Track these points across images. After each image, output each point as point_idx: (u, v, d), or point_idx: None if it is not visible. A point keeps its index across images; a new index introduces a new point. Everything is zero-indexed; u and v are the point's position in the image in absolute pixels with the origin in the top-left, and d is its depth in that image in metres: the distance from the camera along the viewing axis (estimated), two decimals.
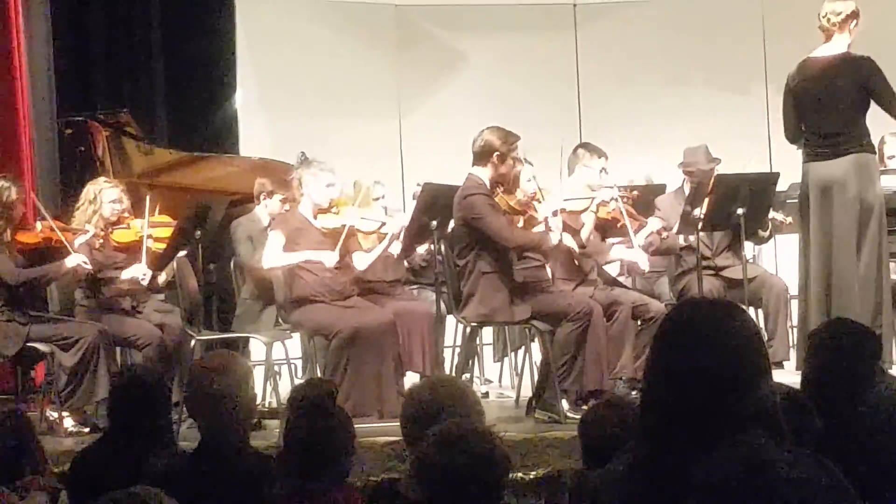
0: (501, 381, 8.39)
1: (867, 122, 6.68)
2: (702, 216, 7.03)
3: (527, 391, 7.05)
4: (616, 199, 7.07)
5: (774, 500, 2.04)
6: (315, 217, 7.02)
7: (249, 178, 8.37)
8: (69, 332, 6.67)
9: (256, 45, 10.82)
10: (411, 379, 6.98)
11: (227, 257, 7.85)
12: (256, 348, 7.66)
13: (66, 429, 6.59)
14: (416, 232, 7.21)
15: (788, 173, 7.59)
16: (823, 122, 6.61)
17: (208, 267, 7.50)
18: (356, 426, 3.82)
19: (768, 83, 10.76)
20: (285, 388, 7.08)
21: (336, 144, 10.12)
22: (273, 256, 6.93)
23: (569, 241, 6.90)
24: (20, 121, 8.30)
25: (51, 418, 6.73)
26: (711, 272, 7.48)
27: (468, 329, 6.86)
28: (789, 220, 7.67)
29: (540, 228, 6.69)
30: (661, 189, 8.15)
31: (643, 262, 7.18)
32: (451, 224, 6.88)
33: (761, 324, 7.35)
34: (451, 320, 7.42)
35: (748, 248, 8.00)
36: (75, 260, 6.67)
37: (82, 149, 8.74)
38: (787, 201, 7.80)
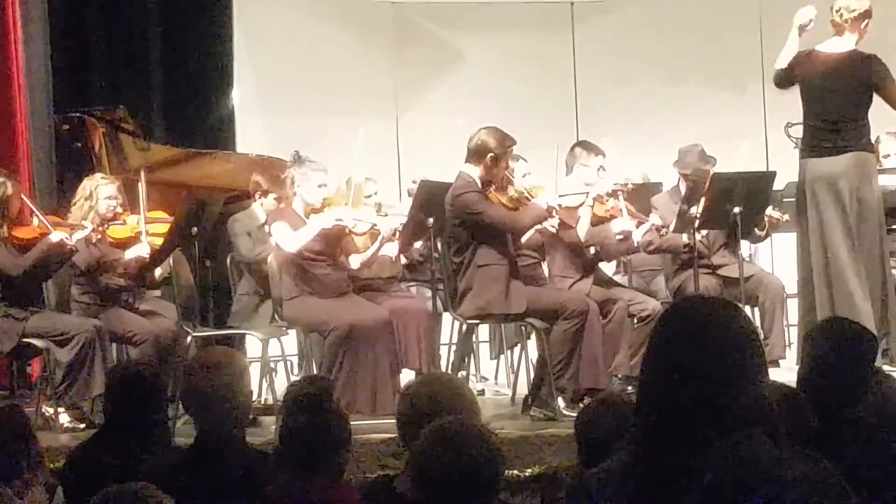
0: (497, 378, 8.39)
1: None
2: (698, 215, 7.04)
3: (523, 389, 7.05)
4: (616, 196, 7.07)
5: (770, 499, 2.04)
6: (307, 216, 7.01)
7: (246, 174, 8.36)
8: (65, 327, 6.66)
9: (254, 42, 10.82)
10: (407, 376, 6.98)
11: (223, 254, 7.84)
12: (252, 345, 7.66)
13: (62, 424, 6.58)
14: (413, 229, 7.21)
15: (785, 172, 7.59)
16: (825, 117, 6.60)
17: (204, 263, 7.48)
18: (352, 423, 3.82)
19: (765, 82, 10.73)
20: (281, 385, 7.06)
21: (332, 142, 10.11)
22: (291, 239, 6.88)
23: (564, 236, 6.89)
24: (17, 117, 8.28)
25: (47, 414, 6.72)
26: (708, 270, 7.48)
27: (464, 326, 6.86)
28: (786, 217, 7.67)
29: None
30: (657, 188, 8.15)
31: (636, 234, 7.15)
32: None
33: (757, 322, 7.36)
34: (447, 317, 7.43)
35: (744, 246, 8.00)
36: (58, 236, 6.66)
37: (79, 145, 8.73)
38: (784, 200, 7.80)
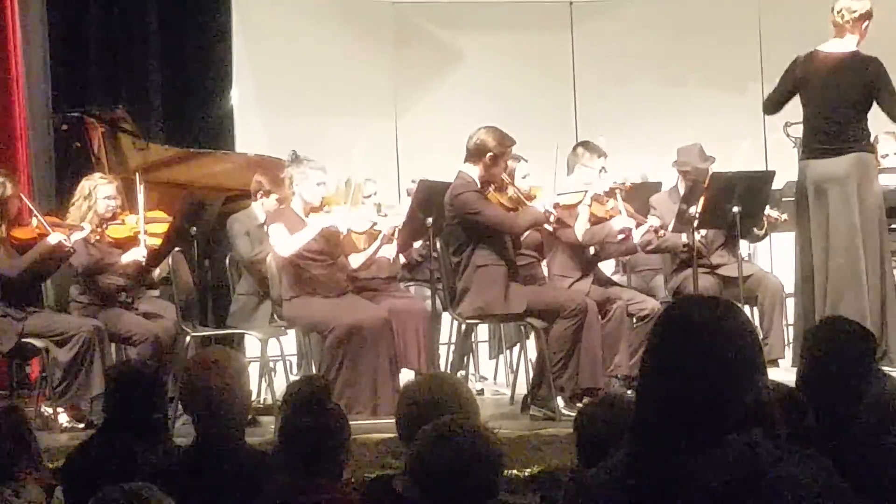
0: (497, 378, 8.39)
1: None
2: (697, 214, 7.04)
3: (522, 388, 7.05)
4: (614, 195, 7.06)
5: (770, 498, 2.05)
6: (307, 215, 7.01)
7: (245, 174, 8.36)
8: (64, 327, 6.66)
9: (253, 42, 10.82)
10: (406, 376, 6.98)
11: (222, 253, 7.84)
12: (252, 345, 7.67)
13: (61, 424, 6.58)
14: (412, 229, 7.21)
15: (784, 171, 7.59)
16: (826, 118, 6.60)
17: (203, 263, 7.49)
18: (351, 423, 3.81)
19: (764, 82, 10.74)
20: (280, 385, 7.06)
21: (332, 142, 10.13)
22: (285, 243, 6.88)
23: (562, 235, 6.89)
24: (16, 116, 8.29)
25: (46, 414, 6.73)
26: (707, 270, 7.48)
27: (463, 326, 6.86)
28: (784, 217, 7.67)
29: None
30: (656, 187, 8.15)
31: (636, 233, 7.14)
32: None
33: (756, 322, 7.36)
34: (446, 317, 7.43)
35: (743, 246, 8.01)
36: (56, 238, 6.66)
37: (78, 145, 8.72)
38: (783, 199, 7.81)
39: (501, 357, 8.38)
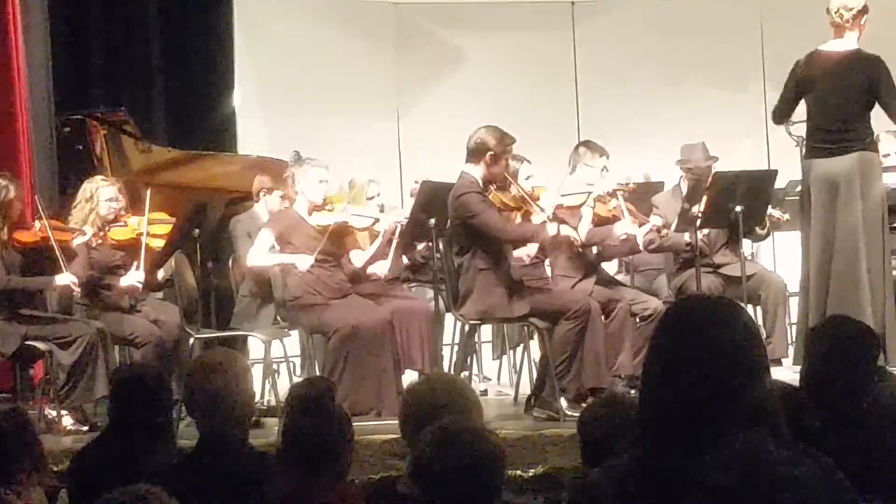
0: (500, 378, 8.39)
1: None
2: (700, 213, 7.03)
3: (525, 389, 7.05)
4: (616, 196, 7.07)
5: (773, 498, 2.04)
6: (310, 214, 7.02)
7: (247, 176, 8.37)
8: (67, 330, 6.66)
9: (254, 43, 10.82)
10: (410, 377, 6.98)
11: (225, 255, 7.84)
12: (255, 346, 7.66)
13: (65, 427, 6.58)
14: (414, 230, 7.21)
15: (786, 170, 7.59)
16: (829, 118, 6.60)
17: (206, 265, 7.49)
18: (355, 424, 3.81)
19: (766, 81, 10.77)
20: (284, 386, 7.08)
21: (334, 143, 10.13)
22: (257, 255, 6.98)
23: (567, 231, 6.89)
24: (18, 119, 8.28)
25: (49, 417, 6.72)
26: (710, 269, 7.48)
27: (466, 327, 6.86)
28: (787, 216, 7.67)
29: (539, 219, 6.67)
30: (658, 187, 8.15)
31: (639, 237, 7.14)
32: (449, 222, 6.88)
33: (759, 321, 7.36)
34: (449, 318, 7.42)
35: (746, 245, 8.00)
36: (65, 279, 6.65)
37: (80, 147, 8.73)
38: (786, 198, 7.81)
39: (505, 358, 8.38)
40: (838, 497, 2.07)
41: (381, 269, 7.34)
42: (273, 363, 7.46)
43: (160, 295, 7.66)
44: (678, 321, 2.33)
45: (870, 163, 6.61)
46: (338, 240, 7.05)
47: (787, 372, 6.67)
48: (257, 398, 6.47)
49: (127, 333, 6.92)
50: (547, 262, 7.21)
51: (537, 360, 6.99)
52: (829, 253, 6.62)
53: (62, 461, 5.32)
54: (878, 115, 6.74)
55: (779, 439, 2.18)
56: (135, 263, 7.01)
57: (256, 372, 6.51)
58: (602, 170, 7.20)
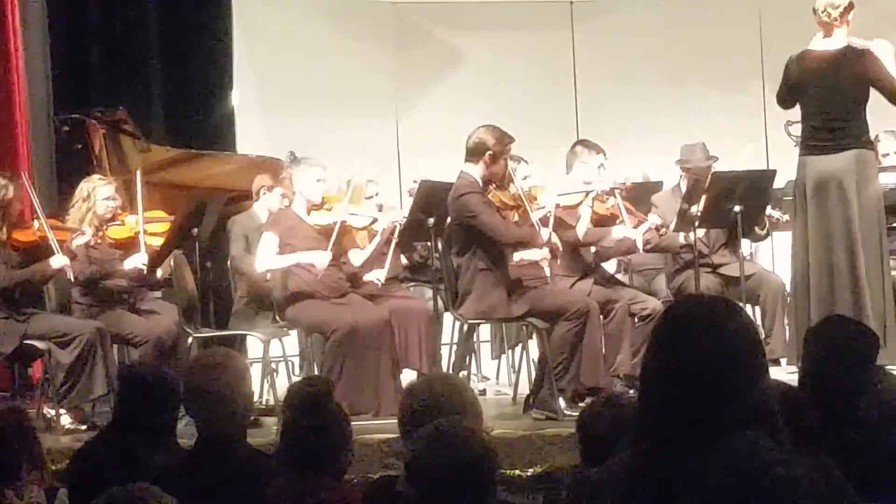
0: (499, 378, 8.39)
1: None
2: (699, 213, 7.04)
3: (524, 388, 7.05)
4: (614, 195, 7.07)
5: (772, 498, 2.04)
6: (308, 214, 7.02)
7: (246, 175, 8.37)
8: (66, 329, 6.66)
9: (253, 42, 10.82)
10: (408, 376, 6.98)
11: (223, 255, 7.85)
12: (253, 345, 7.66)
13: (64, 426, 6.58)
14: (413, 230, 7.21)
15: (785, 171, 7.59)
16: (824, 116, 6.59)
17: (205, 264, 7.49)
18: (353, 423, 3.81)
19: (765, 81, 10.76)
20: (282, 386, 7.08)
21: (333, 142, 10.13)
22: (266, 260, 6.94)
23: (556, 239, 6.89)
24: (17, 118, 8.29)
25: (48, 416, 6.72)
26: (708, 269, 7.49)
27: (465, 326, 6.86)
28: (786, 217, 7.67)
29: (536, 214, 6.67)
30: (658, 186, 8.15)
31: (639, 240, 7.16)
32: (448, 222, 6.88)
33: (758, 321, 7.36)
34: (448, 317, 7.42)
35: (745, 245, 8.01)
36: (60, 262, 6.65)
37: (79, 146, 8.73)
38: (784, 199, 7.80)
39: (503, 357, 8.37)
40: (837, 497, 2.07)
41: (378, 276, 7.32)
42: (272, 362, 7.46)
43: (159, 294, 7.66)
44: (677, 321, 2.33)
45: (865, 161, 6.60)
46: (338, 239, 7.05)
47: (786, 372, 6.66)
48: (256, 397, 6.47)
49: (125, 332, 6.92)
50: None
51: (536, 359, 6.99)
52: (828, 251, 6.62)
53: (61, 460, 5.32)
54: (877, 114, 6.74)
55: (778, 439, 2.18)
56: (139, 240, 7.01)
57: (255, 371, 6.51)
58: (599, 167, 7.21)
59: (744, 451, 2.12)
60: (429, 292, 7.83)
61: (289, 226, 6.99)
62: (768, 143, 10.54)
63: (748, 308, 7.14)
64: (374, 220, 7.26)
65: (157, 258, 7.11)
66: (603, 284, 7.14)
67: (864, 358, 3.64)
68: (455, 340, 7.47)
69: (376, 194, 8.49)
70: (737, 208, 6.92)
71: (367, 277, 7.31)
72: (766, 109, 10.51)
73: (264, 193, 7.93)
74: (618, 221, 7.14)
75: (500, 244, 6.56)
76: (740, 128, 10.62)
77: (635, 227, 7.17)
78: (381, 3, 11.34)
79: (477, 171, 6.57)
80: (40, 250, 6.78)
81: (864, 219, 6.56)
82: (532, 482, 5.60)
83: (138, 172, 7.24)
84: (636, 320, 6.98)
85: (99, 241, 7.02)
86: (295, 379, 7.48)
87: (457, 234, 6.67)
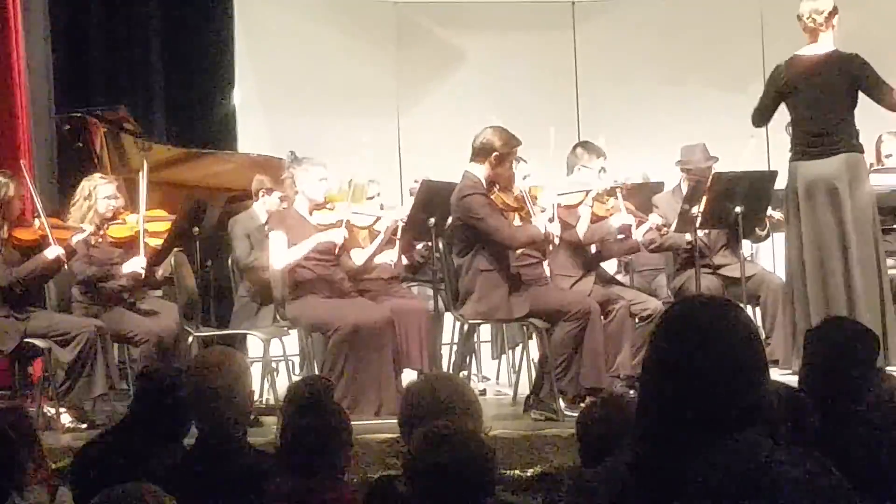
0: (499, 378, 8.39)
1: (862, 120, 6.69)
2: (699, 214, 7.04)
3: (524, 389, 7.05)
4: (615, 194, 7.07)
5: (772, 499, 2.04)
6: (311, 213, 7.02)
7: (247, 174, 8.37)
8: (67, 328, 6.66)
9: (255, 42, 10.83)
10: (409, 376, 6.98)
11: (224, 254, 7.85)
12: (254, 345, 7.67)
13: (64, 425, 6.58)
14: (414, 229, 7.21)
15: (785, 172, 7.58)
16: (813, 121, 6.61)
17: (206, 263, 7.49)
18: (353, 423, 3.81)
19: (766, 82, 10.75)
20: (283, 385, 7.08)
21: (334, 142, 10.13)
22: (281, 255, 6.91)
23: (553, 228, 6.88)
24: (18, 117, 8.29)
25: (48, 414, 6.72)
26: (709, 270, 7.48)
27: (465, 326, 6.86)
28: None
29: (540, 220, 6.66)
30: (659, 187, 8.15)
31: (634, 229, 7.15)
32: (449, 221, 6.88)
33: (759, 322, 7.35)
34: (448, 317, 7.42)
35: (746, 246, 8.00)
36: (53, 252, 6.65)
37: (80, 145, 8.74)
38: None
39: (504, 357, 8.38)
40: (837, 497, 2.07)
41: (389, 258, 7.33)
42: (272, 362, 7.46)
43: (159, 293, 7.66)
44: (677, 322, 2.33)
45: (856, 164, 6.62)
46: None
47: (778, 375, 6.65)
48: (256, 397, 6.47)
49: (126, 331, 6.92)
50: (546, 261, 7.21)
51: (536, 359, 6.98)
52: (821, 254, 6.62)
53: (60, 459, 5.32)
54: (877, 116, 6.74)
55: (778, 439, 2.18)
56: (136, 253, 7.01)
57: (255, 370, 6.52)
58: (599, 171, 7.21)
59: (744, 451, 2.12)
60: (429, 292, 7.83)
61: (292, 224, 6.99)
62: (769, 143, 10.53)
63: (749, 309, 7.13)
64: (378, 219, 7.26)
65: (157, 257, 7.11)
66: (603, 285, 7.14)
67: (864, 359, 3.64)
68: (455, 340, 7.47)
69: (378, 194, 8.49)
70: (737, 209, 6.92)
71: (377, 260, 7.31)
72: None
73: (263, 195, 7.93)
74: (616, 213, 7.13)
75: (506, 247, 6.55)
76: (741, 128, 10.60)
77: (636, 226, 7.17)
78: (382, 3, 11.35)
79: (482, 171, 6.57)
80: (41, 249, 6.77)
81: (857, 221, 6.56)
82: (532, 482, 5.60)
83: (142, 174, 7.22)
84: (636, 321, 6.98)
85: (99, 239, 7.02)
86: (295, 378, 7.48)
87: (458, 235, 6.66)
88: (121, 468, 3.77)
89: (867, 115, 6.73)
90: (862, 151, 6.76)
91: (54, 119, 8.80)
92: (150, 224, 7.14)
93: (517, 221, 6.71)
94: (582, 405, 5.64)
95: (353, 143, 10.45)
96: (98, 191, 7.09)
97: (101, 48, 10.04)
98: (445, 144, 9.23)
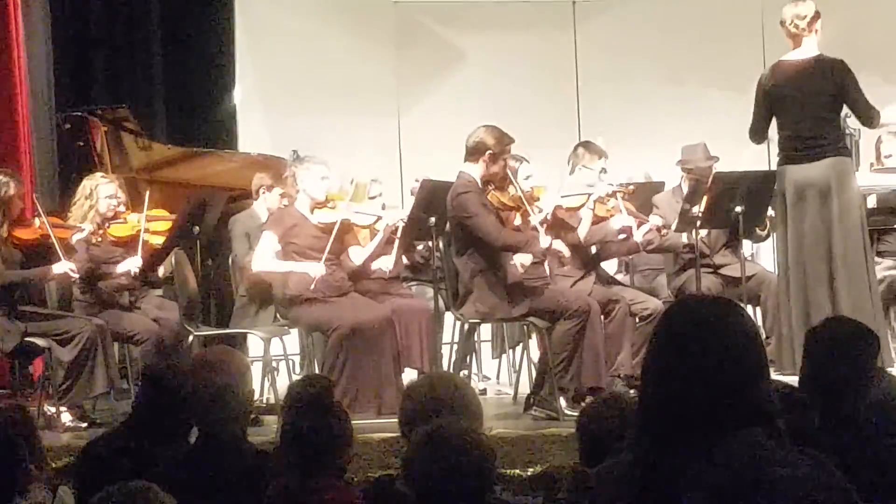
0: (499, 377, 8.39)
1: (855, 122, 6.71)
2: (700, 214, 7.04)
3: (525, 388, 7.05)
4: (615, 196, 7.07)
5: (773, 499, 2.04)
6: (312, 212, 7.02)
7: (248, 174, 8.38)
8: (67, 327, 6.66)
9: (255, 41, 10.83)
10: (409, 375, 6.98)
11: (225, 253, 7.85)
12: (254, 344, 7.66)
13: (64, 424, 6.58)
14: (415, 229, 7.21)
15: None
16: (799, 124, 6.64)
17: (206, 263, 7.50)
18: (354, 422, 3.82)
19: None
20: (283, 384, 7.08)
21: (335, 141, 10.13)
22: (262, 260, 6.94)
23: (559, 246, 6.88)
24: (19, 116, 8.29)
25: (48, 413, 6.72)
26: (710, 270, 7.48)
27: (466, 326, 6.86)
28: None
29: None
30: (659, 187, 8.15)
31: (635, 230, 7.15)
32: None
33: (759, 322, 7.35)
34: (448, 317, 7.42)
35: (746, 246, 8.00)
36: (62, 267, 6.64)
37: (81, 144, 8.74)
38: None
39: (504, 357, 8.37)
40: (837, 497, 2.07)
41: (385, 264, 7.34)
42: (272, 361, 7.46)
43: (160, 292, 7.66)
44: (678, 321, 2.33)
45: (843, 167, 6.63)
46: (339, 237, 7.05)
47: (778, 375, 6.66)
48: (256, 396, 6.47)
49: (126, 331, 6.92)
50: (546, 261, 7.21)
51: (536, 359, 6.99)
52: (807, 257, 6.64)
53: (60, 458, 5.32)
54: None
55: (778, 439, 2.18)
56: (135, 253, 7.02)
57: (256, 370, 6.51)
58: (600, 171, 7.20)
59: (744, 451, 2.12)
60: (430, 291, 7.83)
61: (292, 224, 6.99)
62: (770, 144, 10.53)
63: (749, 309, 7.12)
64: (379, 219, 7.26)
65: (158, 256, 7.11)
66: (603, 284, 7.14)
67: (864, 359, 3.64)
68: (456, 340, 7.47)
69: (380, 194, 8.49)
70: (738, 209, 6.91)
71: (374, 266, 7.31)
72: None
73: (263, 193, 7.94)
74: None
75: (492, 245, 6.54)
76: (742, 128, 10.60)
77: (637, 227, 7.16)
78: (383, 2, 11.34)
79: (476, 170, 6.57)
80: (41, 248, 6.77)
81: (845, 224, 6.58)
82: (532, 482, 5.60)
83: (147, 193, 7.23)
84: (637, 320, 6.98)
85: (100, 238, 7.02)
86: (295, 378, 7.48)
87: (456, 234, 6.67)
88: (123, 467, 3.77)
89: None
90: (849, 155, 6.79)
91: (55, 118, 8.81)
92: (151, 223, 7.15)
93: (518, 220, 6.71)
94: (582, 404, 5.64)
95: (353, 142, 10.45)
96: (99, 190, 7.10)
97: (102, 47, 10.05)
98: (446, 144, 9.21)
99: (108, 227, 7.08)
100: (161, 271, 7.32)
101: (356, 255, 7.28)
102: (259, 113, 10.83)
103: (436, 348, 7.27)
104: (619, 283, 7.49)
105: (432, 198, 7.01)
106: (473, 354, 7.75)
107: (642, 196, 7.59)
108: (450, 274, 6.85)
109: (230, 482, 3.66)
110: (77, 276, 6.72)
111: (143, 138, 8.92)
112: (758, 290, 7.49)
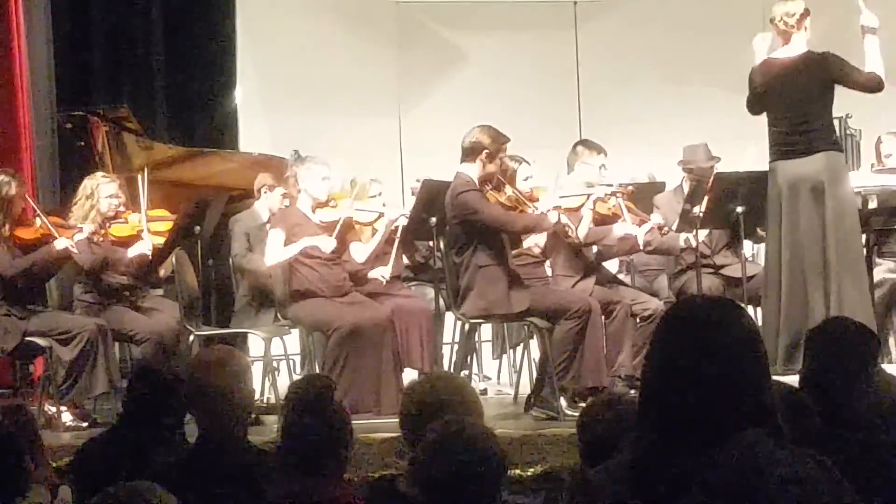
0: (500, 378, 8.39)
1: (862, 121, 6.70)
2: (701, 214, 7.04)
3: (525, 388, 7.05)
4: (616, 196, 7.07)
5: (773, 499, 2.04)
6: (313, 212, 7.03)
7: (249, 174, 8.38)
8: (68, 326, 6.66)
9: (257, 41, 10.83)
10: (410, 375, 6.98)
11: (225, 253, 7.85)
12: (255, 344, 7.67)
13: (65, 423, 6.58)
14: (416, 228, 7.21)
15: None
16: (791, 122, 6.63)
17: (207, 262, 7.49)
18: (354, 422, 3.81)
19: None
20: (284, 384, 7.08)
21: (335, 141, 10.13)
22: (274, 253, 6.93)
23: (566, 220, 6.89)
24: (20, 115, 8.29)
25: (49, 413, 6.73)
26: (710, 270, 7.48)
27: (466, 325, 6.86)
28: None
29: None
30: (660, 187, 8.15)
31: (640, 237, 7.16)
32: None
33: (760, 322, 7.34)
34: (449, 317, 7.43)
35: (747, 246, 8.00)
36: (63, 243, 6.67)
37: (82, 143, 8.74)
38: None
39: (505, 357, 8.38)
40: (838, 497, 2.07)
41: (383, 273, 7.34)
42: (273, 361, 7.46)
43: (161, 291, 7.66)
44: (679, 322, 2.33)
45: (835, 162, 6.62)
46: (341, 235, 7.06)
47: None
48: (257, 396, 6.47)
49: (127, 330, 6.92)
50: (547, 262, 7.21)
51: (537, 359, 6.99)
52: (802, 253, 6.62)
53: (61, 457, 5.32)
54: (877, 116, 6.74)
55: (779, 439, 2.18)
56: (142, 238, 7.03)
57: (256, 369, 6.52)
58: (600, 168, 7.21)
59: (744, 451, 2.12)
60: (430, 291, 7.83)
61: (294, 223, 7.00)
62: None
63: (750, 309, 7.12)
64: (381, 216, 7.26)
65: (159, 256, 7.11)
66: (604, 285, 7.14)
67: (865, 358, 3.64)
68: (456, 340, 7.47)
69: (380, 194, 8.49)
70: (739, 209, 6.92)
71: (371, 274, 7.32)
72: None
73: (265, 192, 7.94)
74: (619, 221, 7.14)
75: (508, 234, 6.56)
76: (743, 128, 10.60)
77: (638, 226, 7.17)
78: (384, 2, 11.34)
79: (473, 170, 6.58)
80: (42, 247, 6.78)
81: (839, 219, 6.57)
82: (532, 482, 5.60)
83: (144, 171, 7.23)
84: (637, 321, 6.98)
85: (101, 238, 7.02)
86: (296, 377, 7.48)
87: (456, 233, 6.67)
88: (121, 466, 3.77)
89: (867, 115, 6.74)
90: (841, 150, 6.79)
91: (56, 118, 8.80)
92: (152, 224, 7.15)
93: None
94: (583, 404, 5.64)
95: (354, 142, 10.45)
96: (100, 189, 7.10)
97: (103, 47, 10.04)
98: (447, 144, 9.19)
99: (110, 226, 7.08)
100: (162, 271, 7.32)
101: (358, 252, 7.28)
102: (260, 113, 10.83)
103: (436, 348, 7.27)
104: (620, 284, 7.49)
105: (433, 198, 7.02)
106: (474, 355, 7.75)
107: (643, 196, 7.59)
108: (450, 273, 6.86)
109: (230, 482, 3.66)
110: (76, 251, 6.71)
111: (144, 138, 8.91)
112: (758, 290, 7.48)
